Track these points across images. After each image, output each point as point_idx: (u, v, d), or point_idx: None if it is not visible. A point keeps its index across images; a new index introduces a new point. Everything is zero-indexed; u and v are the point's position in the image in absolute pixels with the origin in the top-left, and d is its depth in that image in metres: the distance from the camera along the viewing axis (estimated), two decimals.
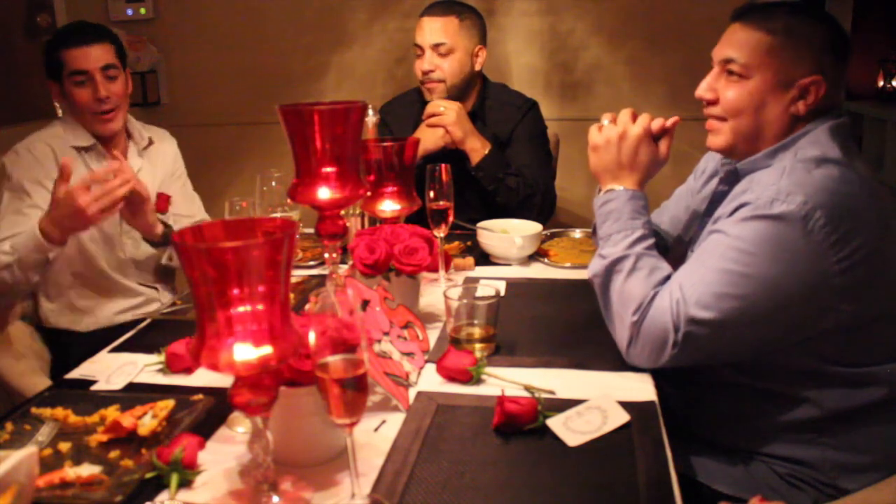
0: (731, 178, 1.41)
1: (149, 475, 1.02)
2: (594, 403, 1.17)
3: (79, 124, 1.95)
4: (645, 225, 1.36)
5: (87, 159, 1.96)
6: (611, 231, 1.36)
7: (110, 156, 1.97)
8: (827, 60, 1.31)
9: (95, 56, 1.89)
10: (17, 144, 1.93)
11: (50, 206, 1.67)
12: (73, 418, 1.19)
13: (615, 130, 1.41)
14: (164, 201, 2.06)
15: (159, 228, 1.89)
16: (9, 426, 1.17)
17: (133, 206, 1.79)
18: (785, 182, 1.23)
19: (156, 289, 2.08)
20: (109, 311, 2.00)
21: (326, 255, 1.18)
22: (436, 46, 2.28)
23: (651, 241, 1.35)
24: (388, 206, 1.52)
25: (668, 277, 1.30)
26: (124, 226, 1.98)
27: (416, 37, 2.33)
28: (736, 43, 1.33)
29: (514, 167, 2.26)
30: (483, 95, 2.39)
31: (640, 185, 1.41)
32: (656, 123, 1.41)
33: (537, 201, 2.25)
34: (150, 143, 2.09)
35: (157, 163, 2.10)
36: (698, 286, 1.23)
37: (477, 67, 2.35)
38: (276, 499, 0.93)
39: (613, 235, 1.36)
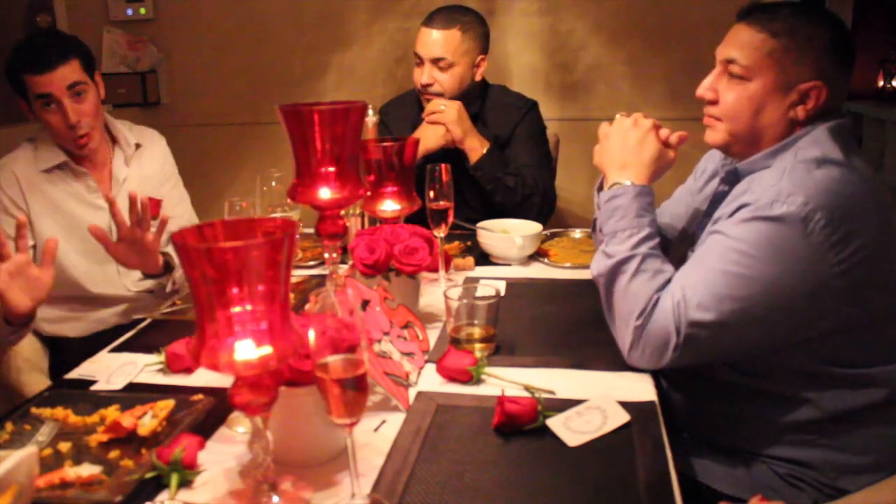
0: (732, 178, 1.40)
1: (149, 475, 1.02)
2: (594, 403, 1.17)
3: (53, 141, 1.90)
4: (651, 223, 1.35)
5: (56, 179, 1.91)
6: (616, 228, 1.35)
7: (83, 170, 1.93)
8: (829, 65, 1.29)
9: (60, 77, 1.80)
10: None
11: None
12: (73, 418, 1.19)
13: (627, 121, 1.43)
14: (155, 206, 2.03)
15: (160, 259, 1.78)
16: (9, 426, 1.17)
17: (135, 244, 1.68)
18: (785, 183, 1.23)
19: (151, 292, 2.07)
20: (104, 315, 1.98)
21: (326, 255, 1.18)
22: (436, 61, 2.22)
23: (656, 240, 1.35)
24: (388, 206, 1.52)
25: (670, 280, 1.29)
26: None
27: (417, 45, 2.26)
28: (738, 43, 1.32)
29: (514, 167, 2.26)
30: (483, 98, 2.36)
31: (648, 180, 1.40)
32: (664, 132, 1.43)
33: (536, 201, 2.24)
34: (137, 148, 2.03)
35: (144, 167, 2.05)
36: (699, 288, 1.23)
37: (477, 78, 2.31)
38: (276, 499, 0.93)
39: (619, 233, 1.34)
